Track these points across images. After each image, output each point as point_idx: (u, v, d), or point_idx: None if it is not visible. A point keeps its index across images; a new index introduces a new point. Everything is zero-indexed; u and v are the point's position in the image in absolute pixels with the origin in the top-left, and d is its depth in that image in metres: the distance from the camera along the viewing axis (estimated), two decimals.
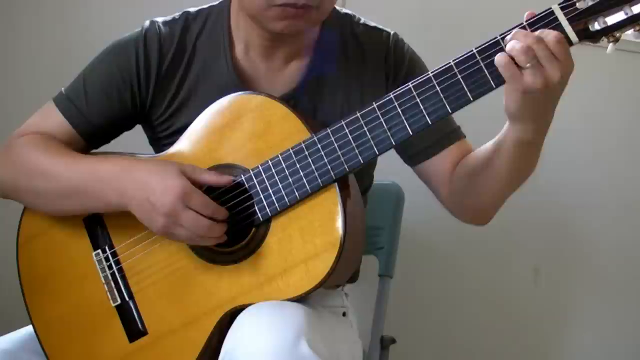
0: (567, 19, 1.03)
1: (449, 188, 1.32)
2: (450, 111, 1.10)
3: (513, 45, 1.03)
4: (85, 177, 1.22)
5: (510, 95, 1.07)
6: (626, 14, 1.01)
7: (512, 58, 1.04)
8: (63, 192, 1.24)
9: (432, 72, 1.10)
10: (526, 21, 1.06)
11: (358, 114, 1.14)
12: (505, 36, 1.06)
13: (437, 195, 1.36)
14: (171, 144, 1.27)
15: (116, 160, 1.23)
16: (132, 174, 1.18)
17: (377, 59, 1.34)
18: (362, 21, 1.37)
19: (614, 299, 2.25)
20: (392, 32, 1.37)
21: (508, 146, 1.15)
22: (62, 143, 1.30)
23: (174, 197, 1.13)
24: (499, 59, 1.04)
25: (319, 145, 1.15)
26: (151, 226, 1.16)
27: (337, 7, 1.34)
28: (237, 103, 1.22)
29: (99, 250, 1.28)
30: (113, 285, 1.26)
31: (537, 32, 1.03)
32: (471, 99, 1.08)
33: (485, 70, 1.07)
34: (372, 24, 1.37)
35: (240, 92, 1.23)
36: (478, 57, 1.07)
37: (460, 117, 1.29)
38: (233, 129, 1.21)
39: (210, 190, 1.21)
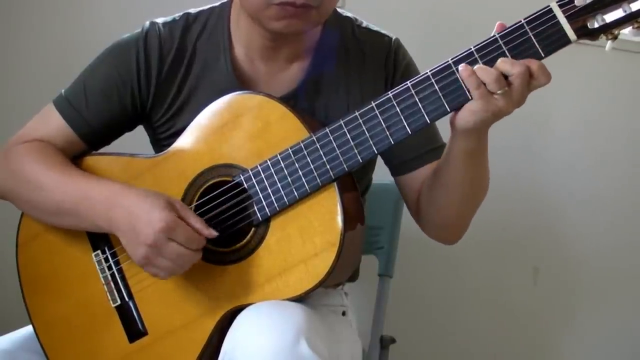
0: (566, 17, 1.03)
1: (417, 204, 1.33)
2: (449, 110, 1.10)
3: (485, 73, 1.05)
4: (77, 200, 1.22)
5: (476, 113, 1.08)
6: (625, 11, 1.01)
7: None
8: (54, 210, 1.24)
9: (430, 71, 1.10)
10: (525, 19, 1.06)
11: (357, 113, 1.14)
12: (504, 34, 1.06)
13: (410, 210, 1.37)
14: (171, 144, 1.27)
15: (109, 185, 1.22)
16: (122, 202, 1.17)
17: (378, 62, 1.34)
18: (364, 24, 1.37)
19: (613, 299, 2.25)
20: (393, 37, 1.37)
21: (458, 157, 1.16)
22: (60, 153, 1.30)
23: (158, 230, 1.12)
24: (469, 79, 1.06)
25: (318, 145, 1.15)
26: (133, 255, 1.16)
27: (338, 9, 1.34)
28: (236, 103, 1.22)
29: (99, 251, 1.28)
30: (113, 285, 1.26)
31: (521, 63, 1.04)
32: (470, 98, 1.08)
33: None
34: (375, 27, 1.37)
35: (238, 92, 1.23)
36: (476, 55, 1.07)
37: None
38: (232, 128, 1.21)
39: (209, 190, 1.21)
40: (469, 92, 1.08)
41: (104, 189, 1.21)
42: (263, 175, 1.17)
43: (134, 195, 1.18)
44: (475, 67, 1.06)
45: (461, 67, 1.07)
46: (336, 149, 1.14)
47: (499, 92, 1.05)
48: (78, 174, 1.27)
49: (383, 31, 1.37)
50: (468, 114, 1.09)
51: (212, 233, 1.16)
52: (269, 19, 1.20)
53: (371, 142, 1.13)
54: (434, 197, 1.26)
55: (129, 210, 1.16)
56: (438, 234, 1.35)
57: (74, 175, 1.26)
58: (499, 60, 1.05)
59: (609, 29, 1.03)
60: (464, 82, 1.07)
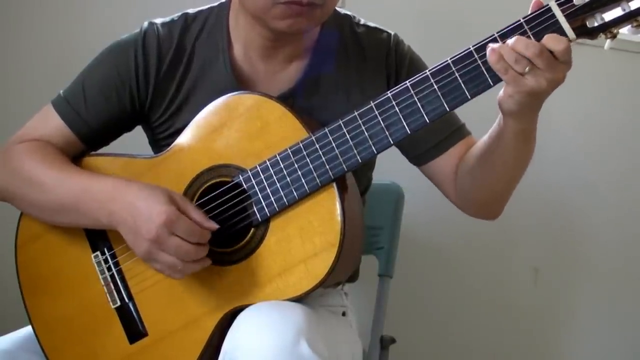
0: (565, 16, 1.03)
1: (456, 185, 1.32)
2: (448, 109, 1.10)
3: (506, 52, 1.03)
4: (78, 195, 1.22)
5: (513, 97, 1.07)
6: (623, 9, 1.00)
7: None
8: (55, 207, 1.24)
9: (429, 71, 1.10)
10: (523, 19, 1.05)
11: (356, 113, 1.14)
12: (502, 34, 1.06)
13: (445, 193, 1.36)
14: (170, 144, 1.27)
15: (110, 180, 1.22)
16: (123, 196, 1.17)
17: (378, 60, 1.34)
18: (362, 22, 1.37)
19: (613, 299, 2.25)
20: (392, 33, 1.37)
21: (509, 137, 1.15)
22: (59, 152, 1.30)
23: (159, 224, 1.12)
24: (496, 65, 1.04)
25: (317, 145, 1.15)
26: (135, 250, 1.16)
27: (337, 8, 1.34)
28: (234, 103, 1.21)
29: (98, 252, 1.27)
30: (112, 287, 1.26)
31: (542, 41, 1.02)
32: (469, 97, 1.08)
33: (483, 68, 1.07)
34: (373, 24, 1.37)
35: (236, 92, 1.23)
36: (475, 55, 1.07)
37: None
38: (230, 128, 1.21)
39: (208, 191, 1.21)
40: (467, 91, 1.08)
41: (105, 184, 1.21)
42: (262, 176, 1.17)
43: (134, 189, 1.18)
44: (498, 46, 1.04)
45: (489, 51, 1.04)
46: (335, 149, 1.14)
47: (526, 70, 1.03)
48: (78, 171, 1.27)
49: (381, 27, 1.37)
50: (507, 98, 1.07)
51: (213, 225, 1.15)
52: (274, 18, 1.20)
53: (370, 142, 1.13)
54: (479, 176, 1.25)
55: (130, 204, 1.16)
56: (481, 212, 1.35)
57: (73, 172, 1.26)
58: (515, 39, 1.03)
59: (607, 28, 1.03)
60: (487, 69, 1.06)
